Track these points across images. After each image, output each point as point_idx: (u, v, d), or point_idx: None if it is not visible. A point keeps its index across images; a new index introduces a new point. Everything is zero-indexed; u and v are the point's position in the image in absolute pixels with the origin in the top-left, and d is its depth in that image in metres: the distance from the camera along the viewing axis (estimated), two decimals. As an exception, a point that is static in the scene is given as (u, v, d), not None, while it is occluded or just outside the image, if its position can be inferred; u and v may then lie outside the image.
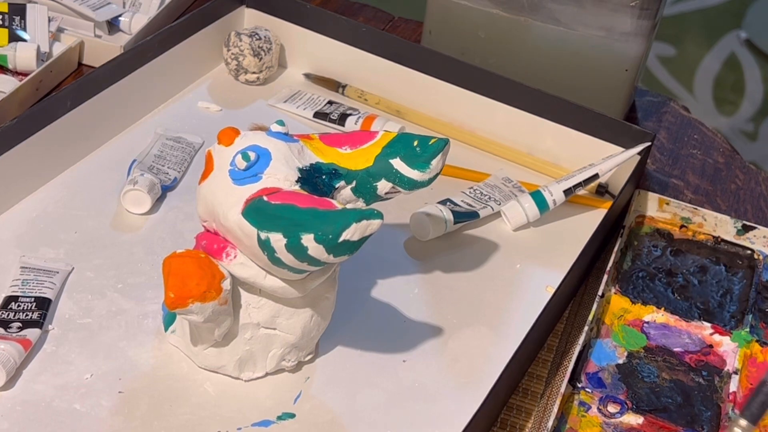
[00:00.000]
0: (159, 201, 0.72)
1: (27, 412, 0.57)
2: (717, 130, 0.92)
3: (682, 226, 0.75)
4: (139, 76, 0.78)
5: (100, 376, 0.59)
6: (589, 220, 0.75)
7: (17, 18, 0.84)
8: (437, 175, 0.59)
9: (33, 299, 0.61)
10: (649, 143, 0.75)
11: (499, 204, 0.75)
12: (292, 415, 0.59)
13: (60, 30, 0.86)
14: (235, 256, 0.55)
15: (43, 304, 0.61)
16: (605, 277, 0.67)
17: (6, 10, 0.84)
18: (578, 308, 0.70)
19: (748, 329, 0.66)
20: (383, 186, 0.58)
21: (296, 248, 0.51)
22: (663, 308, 0.68)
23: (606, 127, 0.77)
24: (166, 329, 0.61)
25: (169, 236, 0.69)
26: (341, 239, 0.51)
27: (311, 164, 0.56)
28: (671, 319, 0.67)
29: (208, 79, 0.85)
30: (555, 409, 0.58)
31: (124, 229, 0.70)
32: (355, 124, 0.81)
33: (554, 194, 0.73)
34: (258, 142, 0.56)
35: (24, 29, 0.83)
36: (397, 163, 0.58)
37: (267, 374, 0.60)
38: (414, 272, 0.70)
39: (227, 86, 0.85)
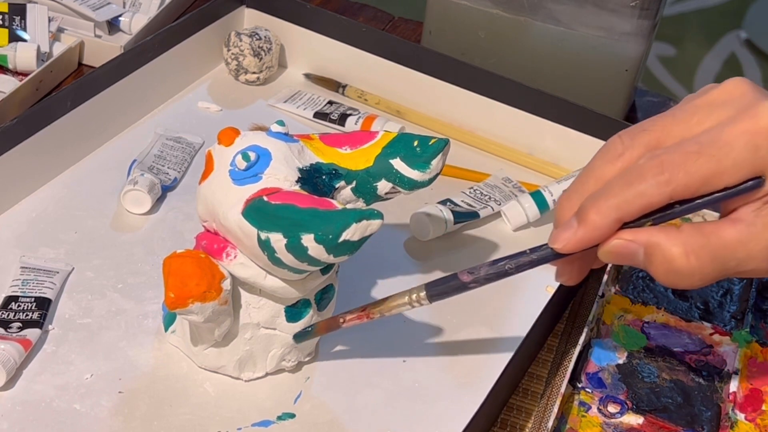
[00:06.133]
0: (159, 201, 0.72)
1: (27, 412, 0.57)
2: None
3: (682, 226, 0.75)
4: (139, 76, 0.78)
5: (100, 376, 0.59)
6: (589, 220, 0.74)
7: (17, 18, 0.84)
8: (437, 175, 0.59)
9: (33, 299, 0.61)
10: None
11: (499, 204, 0.75)
12: (292, 415, 0.59)
13: (60, 30, 0.86)
14: (235, 256, 0.55)
15: (43, 304, 0.61)
16: (605, 277, 0.67)
17: (6, 10, 0.84)
18: (578, 308, 0.70)
19: (748, 329, 0.66)
20: (383, 186, 0.58)
21: (296, 248, 0.51)
22: (663, 308, 0.68)
23: (606, 127, 0.76)
24: (166, 329, 0.61)
25: (169, 236, 0.69)
26: (341, 239, 0.51)
27: (311, 164, 0.56)
28: (671, 319, 0.67)
29: (208, 79, 0.85)
30: (555, 409, 0.58)
31: (124, 229, 0.70)
32: (355, 124, 0.81)
33: (554, 194, 0.73)
34: (258, 142, 0.56)
35: (24, 29, 0.83)
36: (397, 163, 0.58)
37: (267, 374, 0.60)
38: (414, 272, 0.70)
39: (227, 86, 0.85)
